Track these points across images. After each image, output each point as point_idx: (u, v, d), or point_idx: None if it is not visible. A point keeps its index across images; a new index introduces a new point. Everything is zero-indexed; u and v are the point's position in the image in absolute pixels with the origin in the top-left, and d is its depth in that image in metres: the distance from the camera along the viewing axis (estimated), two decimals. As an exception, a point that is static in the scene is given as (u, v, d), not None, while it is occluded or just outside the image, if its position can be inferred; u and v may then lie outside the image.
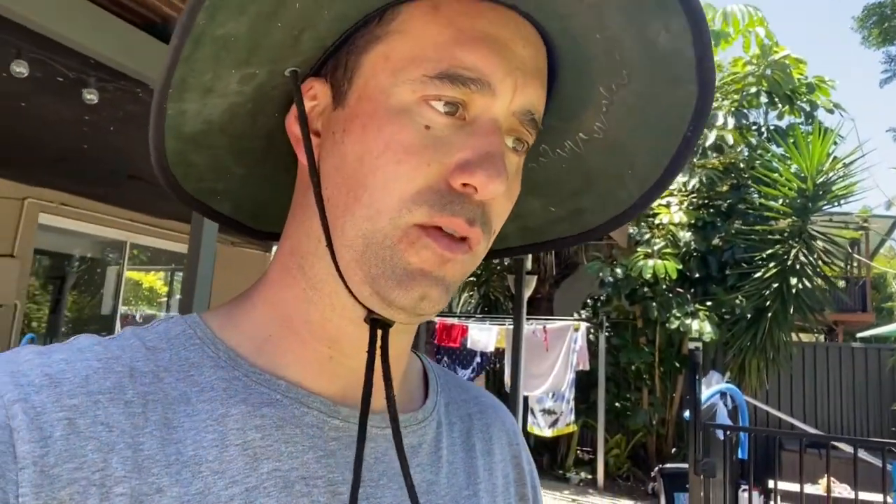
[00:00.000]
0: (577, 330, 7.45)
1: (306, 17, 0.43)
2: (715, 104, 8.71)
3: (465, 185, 0.42)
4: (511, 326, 7.17)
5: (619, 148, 0.51)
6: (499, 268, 9.80)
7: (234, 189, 0.55)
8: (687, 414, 6.35)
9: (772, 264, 7.21)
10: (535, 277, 6.85)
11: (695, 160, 8.39)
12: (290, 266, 0.48)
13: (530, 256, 6.30)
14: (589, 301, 8.95)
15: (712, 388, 6.57)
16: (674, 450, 8.20)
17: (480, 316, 8.90)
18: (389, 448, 0.48)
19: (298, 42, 0.45)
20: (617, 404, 8.51)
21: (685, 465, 4.61)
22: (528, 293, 6.31)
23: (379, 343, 0.46)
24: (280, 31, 0.44)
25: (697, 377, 3.89)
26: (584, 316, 8.63)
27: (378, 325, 0.45)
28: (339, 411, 0.46)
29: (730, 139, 8.06)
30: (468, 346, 7.87)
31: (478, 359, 8.01)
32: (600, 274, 8.08)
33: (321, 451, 0.45)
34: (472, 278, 10.12)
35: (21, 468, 0.35)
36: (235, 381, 0.45)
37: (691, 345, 4.37)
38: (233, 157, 0.51)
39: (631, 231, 7.99)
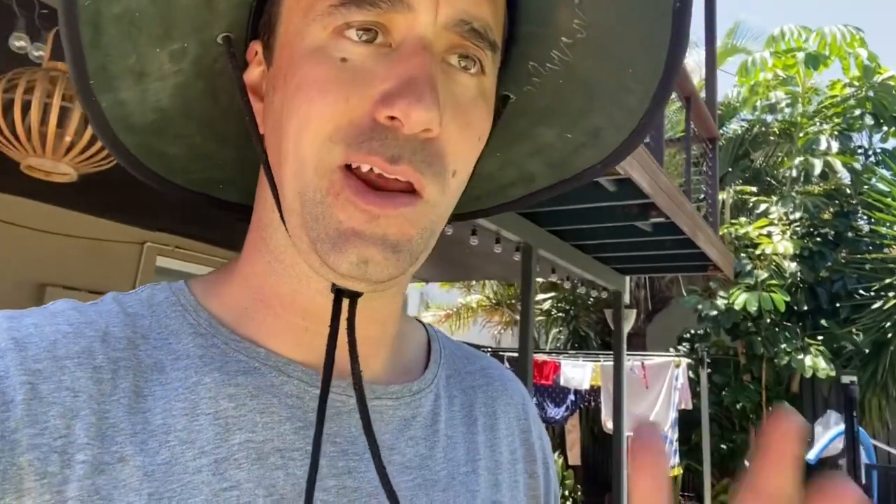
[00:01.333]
0: (678, 366, 7.14)
1: None
2: (815, 128, 8.40)
3: (390, 118, 0.37)
4: (606, 363, 6.96)
5: (608, 47, 0.44)
6: (590, 302, 9.59)
7: (232, 175, 0.51)
8: (811, 455, 5.94)
9: (891, 294, 6.73)
10: (634, 311, 6.64)
11: (796, 187, 8.03)
12: (256, 239, 0.46)
13: (627, 289, 6.11)
14: (686, 336, 8.59)
15: (832, 429, 6.14)
16: (787, 495, 7.66)
17: (573, 352, 8.71)
18: (377, 420, 0.45)
19: (212, 4, 0.42)
20: (722, 446, 8.06)
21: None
22: (627, 328, 6.11)
23: (345, 315, 0.41)
24: None
25: (854, 414, 3.62)
26: (681, 352, 8.29)
27: (344, 294, 0.41)
28: None
29: (836, 164, 7.67)
30: (561, 383, 7.68)
31: (571, 396, 7.79)
32: (699, 307, 7.76)
33: (300, 423, 0.42)
34: (560, 314, 9.95)
35: None
36: (213, 349, 0.43)
37: (845, 379, 4.07)
38: (213, 143, 0.48)
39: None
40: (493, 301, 10.89)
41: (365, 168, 0.38)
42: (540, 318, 9.97)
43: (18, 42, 1.77)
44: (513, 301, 10.25)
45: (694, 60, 9.45)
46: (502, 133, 0.50)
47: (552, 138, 0.50)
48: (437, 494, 0.46)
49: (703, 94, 5.73)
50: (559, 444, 8.38)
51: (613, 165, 0.50)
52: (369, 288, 0.40)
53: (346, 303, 0.42)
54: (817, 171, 7.70)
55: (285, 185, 0.40)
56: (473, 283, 10.58)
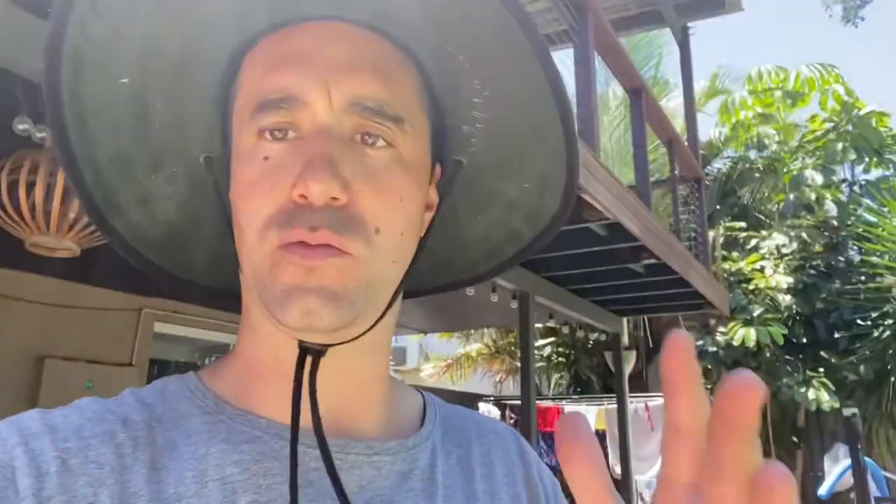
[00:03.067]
0: (681, 406, 7.05)
1: (174, 110, 0.48)
2: (800, 164, 8.57)
3: (302, 196, 0.42)
4: (609, 406, 6.90)
5: (508, 99, 0.50)
6: (589, 345, 9.56)
7: None
8: (822, 490, 5.85)
9: (888, 321, 6.75)
10: (634, 352, 6.63)
11: (788, 220, 8.13)
12: (244, 318, 0.51)
13: (625, 330, 6.13)
14: (688, 375, 8.51)
15: (841, 462, 6.06)
16: (803, 534, 7.50)
17: (576, 397, 8.63)
18: (376, 476, 0.49)
19: (185, 132, 0.50)
20: (732, 485, 7.91)
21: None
22: (627, 369, 6.10)
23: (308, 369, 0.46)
24: (162, 130, 0.49)
25: (859, 446, 3.60)
26: (684, 391, 8.19)
27: (309, 352, 0.46)
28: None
29: (823, 196, 7.80)
30: (565, 429, 7.56)
31: (577, 443, 7.68)
32: (698, 343, 7.76)
33: (301, 481, 0.45)
34: (561, 359, 9.90)
35: (22, 499, 0.39)
36: (219, 424, 0.47)
37: (846, 412, 4.05)
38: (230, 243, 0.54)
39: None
40: (493, 349, 10.84)
41: (295, 241, 0.43)
42: (541, 363, 9.92)
43: (22, 125, 1.84)
44: (513, 348, 10.20)
45: (675, 104, 9.69)
46: (472, 193, 0.57)
47: (515, 191, 0.55)
48: None
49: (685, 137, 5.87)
50: (567, 492, 8.20)
51: (570, 206, 0.54)
52: (323, 338, 0.45)
53: (309, 360, 0.47)
54: (811, 200, 7.82)
55: (244, 268, 0.47)
56: (472, 331, 10.55)
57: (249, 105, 0.46)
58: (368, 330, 0.48)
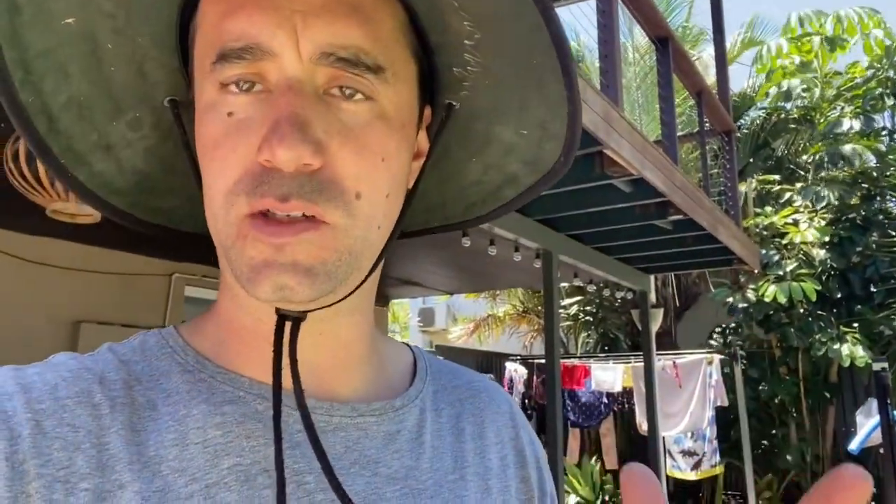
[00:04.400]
0: (710, 363, 7.04)
1: (129, 50, 0.45)
2: (837, 112, 8.25)
3: (268, 161, 0.39)
4: (637, 364, 6.89)
5: (503, 44, 0.44)
6: (617, 304, 9.51)
7: None
8: (853, 446, 5.80)
9: (926, 276, 6.56)
10: (661, 310, 6.57)
11: (822, 173, 7.88)
12: (221, 275, 0.49)
13: (652, 288, 6.06)
14: (717, 331, 8.46)
15: (873, 418, 5.99)
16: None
17: (603, 355, 8.63)
18: (362, 437, 0.48)
19: (145, 74, 0.46)
20: (763, 442, 7.90)
21: None
22: (654, 327, 6.06)
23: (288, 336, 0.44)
24: (118, 73, 0.45)
25: (888, 401, 3.55)
26: (714, 347, 8.16)
27: (287, 318, 0.44)
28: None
29: (860, 148, 7.52)
30: (592, 387, 7.62)
31: (604, 399, 7.73)
32: (728, 300, 7.65)
33: (286, 444, 0.44)
34: (588, 317, 9.88)
35: None
36: (200, 384, 0.46)
37: (876, 366, 3.98)
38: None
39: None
40: (521, 309, 10.86)
41: (263, 209, 0.40)
42: (567, 322, 9.91)
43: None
44: (540, 308, 10.20)
45: (708, 54, 9.37)
46: (467, 137, 0.52)
47: (512, 136, 0.51)
48: (424, 502, 0.48)
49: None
50: (595, 448, 8.29)
51: (572, 154, 0.50)
52: (300, 307, 0.43)
53: (289, 325, 0.45)
54: (846, 153, 7.54)
55: (212, 232, 0.44)
56: (499, 292, 10.56)
57: (209, 53, 0.41)
58: (350, 294, 0.46)
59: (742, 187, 7.76)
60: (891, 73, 8.01)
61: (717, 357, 7.20)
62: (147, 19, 0.45)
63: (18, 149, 1.89)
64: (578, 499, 7.68)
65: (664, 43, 4.11)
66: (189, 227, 0.55)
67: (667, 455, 7.30)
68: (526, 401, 7.97)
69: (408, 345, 0.61)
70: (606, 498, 7.80)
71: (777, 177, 8.51)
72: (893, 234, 7.23)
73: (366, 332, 0.52)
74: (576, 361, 7.95)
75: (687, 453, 7.23)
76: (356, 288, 0.46)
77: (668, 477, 7.21)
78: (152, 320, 5.50)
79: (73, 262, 4.57)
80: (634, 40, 9.28)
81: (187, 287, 6.06)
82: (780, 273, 7.17)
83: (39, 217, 2.35)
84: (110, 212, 0.51)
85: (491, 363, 8.99)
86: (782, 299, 6.84)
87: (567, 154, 0.50)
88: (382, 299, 7.66)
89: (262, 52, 0.40)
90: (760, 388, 7.73)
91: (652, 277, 6.01)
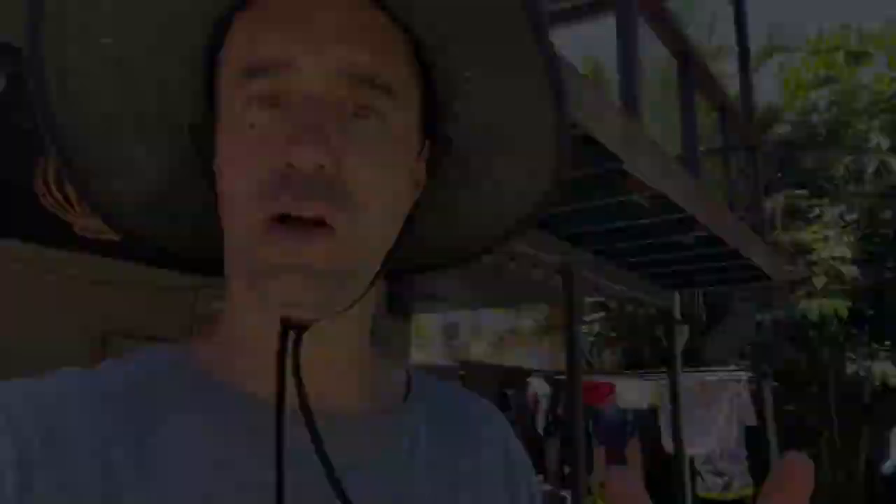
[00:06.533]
0: (738, 381, 6.90)
1: (159, 74, 0.47)
2: (865, 127, 8.10)
3: (288, 165, 0.41)
4: (663, 381, 6.78)
5: (504, 88, 0.48)
6: (643, 320, 9.39)
7: None
8: (887, 469, 5.63)
9: (963, 294, 6.37)
10: (687, 327, 6.47)
11: (850, 187, 7.73)
12: (226, 289, 0.50)
13: (677, 304, 5.97)
14: (746, 349, 8.29)
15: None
16: (868, 512, 7.23)
17: (629, 372, 8.51)
18: (356, 452, 0.48)
19: (171, 97, 0.49)
20: (793, 462, 7.67)
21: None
22: (681, 344, 5.96)
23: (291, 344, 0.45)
24: (145, 95, 0.48)
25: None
26: (742, 366, 8.00)
27: (291, 327, 0.44)
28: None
29: (890, 161, 7.36)
30: (617, 404, 7.50)
31: (629, 417, 7.61)
32: (758, 317, 7.50)
33: (287, 458, 0.44)
34: (612, 333, 9.77)
35: (3, 470, 0.39)
36: (203, 396, 0.47)
37: None
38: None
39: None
40: (545, 324, 10.78)
41: (280, 213, 0.42)
42: (591, 338, 9.80)
43: None
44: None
45: (731, 68, 9.28)
46: (460, 172, 0.55)
47: (506, 173, 0.54)
48: None
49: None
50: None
51: (548, 205, 0.54)
52: (306, 314, 0.44)
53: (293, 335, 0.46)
54: (870, 168, 7.40)
55: (227, 240, 0.46)
56: (524, 306, 10.51)
57: (236, 71, 0.44)
58: (350, 306, 0.47)
59: (769, 202, 7.64)
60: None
61: (744, 375, 7.05)
62: (180, 44, 0.48)
63: (48, 169, 1.96)
64: (603, 518, 7.54)
65: (686, 58, 4.09)
66: (190, 250, 0.58)
67: (697, 476, 7.15)
68: (549, 417, 7.88)
69: (402, 363, 0.62)
70: (632, 518, 7.63)
71: (805, 191, 8.36)
72: (928, 249, 7.04)
73: (362, 347, 0.54)
74: (601, 378, 7.85)
75: (717, 473, 7.07)
76: (355, 302, 0.47)
77: (696, 497, 7.05)
78: (179, 334, 5.58)
79: (104, 277, 4.66)
80: (652, 54, 9.24)
81: (214, 301, 6.15)
82: (810, 290, 7.02)
83: (69, 232, 2.41)
84: (122, 231, 0.53)
85: (514, 379, 8.91)
86: (813, 316, 6.70)
87: (543, 201, 0.54)
88: (405, 314, 7.65)
89: (286, 69, 0.43)
90: (790, 407, 7.54)
91: (677, 294, 5.92)
